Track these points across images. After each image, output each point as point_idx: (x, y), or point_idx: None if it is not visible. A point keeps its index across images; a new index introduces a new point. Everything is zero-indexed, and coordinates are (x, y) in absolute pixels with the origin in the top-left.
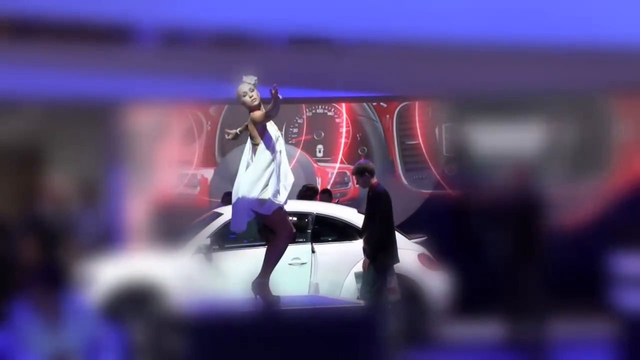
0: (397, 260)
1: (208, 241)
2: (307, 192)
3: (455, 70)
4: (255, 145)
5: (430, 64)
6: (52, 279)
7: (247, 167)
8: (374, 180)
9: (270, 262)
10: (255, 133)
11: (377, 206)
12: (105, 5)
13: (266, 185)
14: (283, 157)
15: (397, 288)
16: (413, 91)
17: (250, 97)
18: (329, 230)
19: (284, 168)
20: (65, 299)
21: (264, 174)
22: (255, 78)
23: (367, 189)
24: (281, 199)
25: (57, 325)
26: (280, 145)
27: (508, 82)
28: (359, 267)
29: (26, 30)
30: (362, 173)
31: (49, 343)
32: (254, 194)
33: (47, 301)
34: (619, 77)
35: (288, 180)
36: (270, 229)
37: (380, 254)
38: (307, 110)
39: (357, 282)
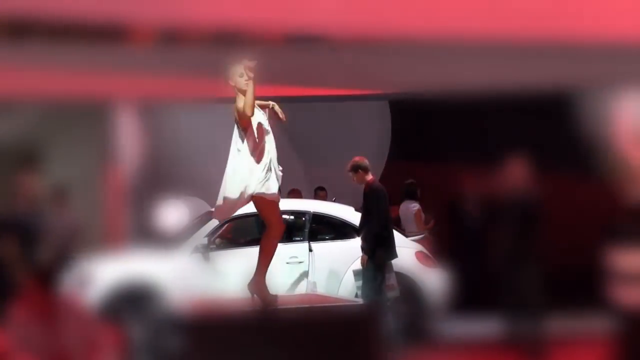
0: (395, 256)
1: (205, 241)
2: (320, 193)
3: (453, 66)
4: (243, 131)
5: (428, 60)
6: (47, 278)
7: (238, 152)
8: (369, 176)
9: (266, 258)
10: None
11: (373, 203)
12: (103, 4)
13: (268, 171)
14: (273, 146)
15: (396, 284)
16: (410, 88)
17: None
18: (326, 228)
19: (275, 157)
20: (63, 299)
21: (262, 160)
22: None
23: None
24: (276, 188)
25: (55, 325)
26: (270, 135)
27: (505, 78)
28: (357, 265)
29: (21, 29)
30: (356, 170)
31: (46, 343)
32: (255, 180)
33: (44, 301)
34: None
35: (279, 171)
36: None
37: (377, 251)
38: None
39: (355, 280)
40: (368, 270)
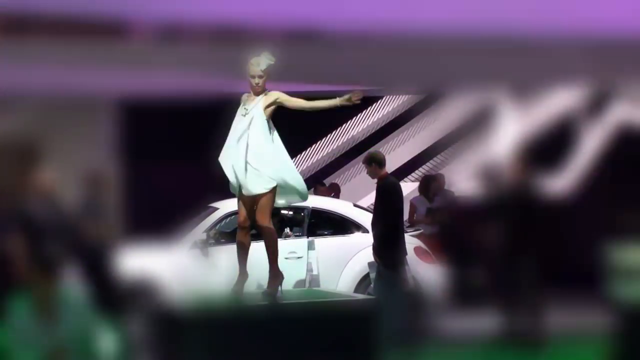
0: (405, 253)
1: (204, 236)
2: (320, 188)
3: (453, 63)
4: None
5: (426, 57)
6: (49, 273)
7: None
8: (383, 171)
9: (277, 253)
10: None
11: (384, 199)
12: (103, 0)
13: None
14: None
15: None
16: (410, 84)
17: (256, 83)
18: (325, 224)
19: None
20: (63, 293)
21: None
22: (270, 63)
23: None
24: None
25: (54, 321)
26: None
27: (505, 74)
28: (358, 260)
29: (22, 26)
30: (370, 163)
31: (45, 338)
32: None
33: (45, 296)
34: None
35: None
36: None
37: (386, 250)
38: None
39: (370, 272)
40: (379, 270)
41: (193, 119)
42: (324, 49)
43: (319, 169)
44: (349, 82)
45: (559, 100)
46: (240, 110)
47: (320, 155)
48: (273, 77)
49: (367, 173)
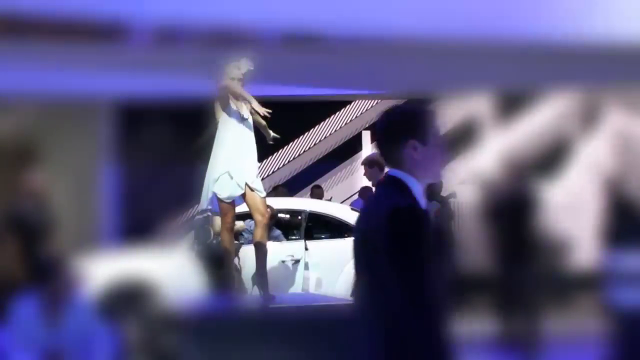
0: None
1: None
2: (316, 191)
3: (450, 66)
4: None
5: (424, 60)
6: (48, 275)
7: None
8: (382, 175)
9: (265, 255)
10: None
11: None
12: (99, 3)
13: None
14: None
15: None
16: (406, 88)
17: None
18: (322, 227)
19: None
20: (71, 296)
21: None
22: (249, 69)
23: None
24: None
25: (58, 322)
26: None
27: (501, 78)
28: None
29: (19, 28)
30: (371, 165)
31: (48, 338)
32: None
33: (44, 298)
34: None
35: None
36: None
37: None
38: None
39: None
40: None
41: (190, 121)
42: (321, 52)
43: (299, 170)
44: (347, 86)
45: (552, 107)
46: (237, 115)
47: (298, 153)
48: (272, 81)
49: (364, 174)
